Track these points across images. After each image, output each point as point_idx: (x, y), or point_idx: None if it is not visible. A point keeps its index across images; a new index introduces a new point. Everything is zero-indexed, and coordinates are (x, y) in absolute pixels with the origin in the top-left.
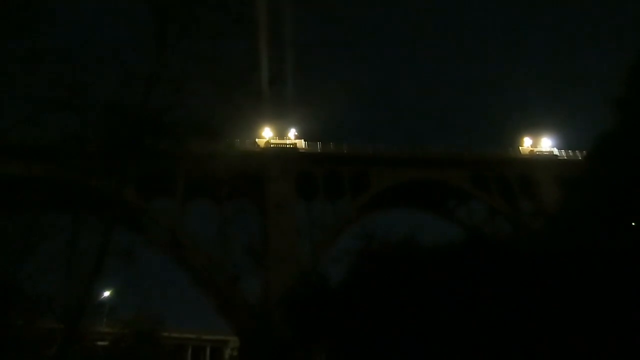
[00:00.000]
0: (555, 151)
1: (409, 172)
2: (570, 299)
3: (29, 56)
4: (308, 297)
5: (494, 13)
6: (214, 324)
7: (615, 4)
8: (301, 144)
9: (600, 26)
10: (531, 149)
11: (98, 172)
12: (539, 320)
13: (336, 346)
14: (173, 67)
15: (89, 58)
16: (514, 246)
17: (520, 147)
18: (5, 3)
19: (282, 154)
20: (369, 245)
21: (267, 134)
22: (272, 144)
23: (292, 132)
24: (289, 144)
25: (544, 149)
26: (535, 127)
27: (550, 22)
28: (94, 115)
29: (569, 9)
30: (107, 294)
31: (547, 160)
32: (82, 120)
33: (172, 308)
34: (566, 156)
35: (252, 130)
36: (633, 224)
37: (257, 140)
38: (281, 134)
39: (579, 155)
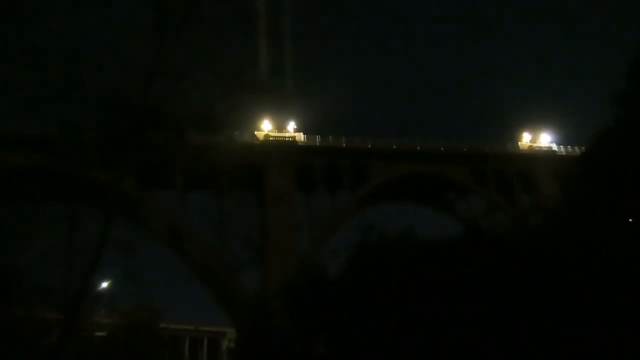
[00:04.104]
0: (554, 147)
1: (408, 165)
2: (566, 294)
3: (26, 47)
4: (306, 289)
5: (494, 6)
6: (212, 315)
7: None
8: (300, 136)
9: (603, 20)
10: (530, 144)
11: (97, 163)
12: (534, 314)
13: (334, 338)
14: (173, 58)
15: (88, 48)
16: (511, 240)
17: (519, 142)
18: None
19: (281, 147)
20: (367, 238)
21: (266, 127)
22: (272, 136)
23: (291, 125)
24: (288, 136)
25: (543, 145)
26: (534, 123)
27: (550, 16)
28: (93, 105)
29: (570, 2)
30: (105, 284)
31: (546, 156)
32: (80, 111)
33: (170, 299)
34: (565, 151)
35: (252, 123)
36: (630, 220)
37: (256, 132)
38: (280, 127)
39: (577, 150)
